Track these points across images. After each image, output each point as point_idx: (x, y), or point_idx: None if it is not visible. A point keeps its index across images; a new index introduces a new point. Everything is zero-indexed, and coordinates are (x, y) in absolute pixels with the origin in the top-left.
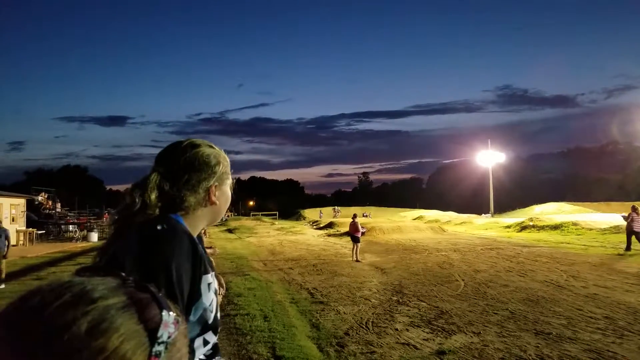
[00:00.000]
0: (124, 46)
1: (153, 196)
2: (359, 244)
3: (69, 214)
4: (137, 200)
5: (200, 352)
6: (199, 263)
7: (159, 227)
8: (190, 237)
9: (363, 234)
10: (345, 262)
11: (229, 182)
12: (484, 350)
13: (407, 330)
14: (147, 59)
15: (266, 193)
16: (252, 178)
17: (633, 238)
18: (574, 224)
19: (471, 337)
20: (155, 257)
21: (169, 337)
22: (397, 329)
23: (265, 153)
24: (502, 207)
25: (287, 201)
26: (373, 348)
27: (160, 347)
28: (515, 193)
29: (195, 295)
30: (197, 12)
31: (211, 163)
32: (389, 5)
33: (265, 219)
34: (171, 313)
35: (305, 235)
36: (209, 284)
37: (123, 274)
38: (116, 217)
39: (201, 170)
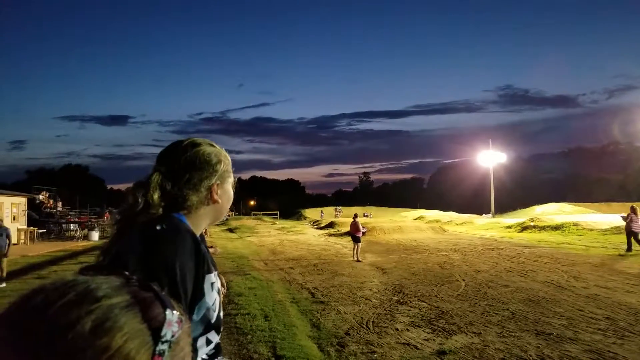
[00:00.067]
0: (125, 46)
1: (156, 196)
2: (360, 244)
3: (70, 213)
4: (139, 200)
5: (203, 351)
6: (202, 262)
7: (162, 226)
8: (194, 236)
9: (364, 233)
10: (346, 262)
11: (230, 181)
12: (484, 350)
13: (408, 330)
14: (147, 59)
15: (267, 193)
16: (253, 177)
17: (633, 238)
18: (575, 224)
19: (472, 337)
20: (158, 256)
21: (172, 336)
22: (397, 329)
23: (266, 153)
24: (503, 208)
25: (287, 201)
26: (374, 348)
27: (164, 346)
28: (516, 193)
29: (198, 294)
30: (197, 11)
31: (212, 161)
32: (389, 5)
33: (266, 218)
34: (175, 312)
35: (306, 235)
36: (212, 283)
37: (126, 272)
38: (119, 217)
39: (202, 169)
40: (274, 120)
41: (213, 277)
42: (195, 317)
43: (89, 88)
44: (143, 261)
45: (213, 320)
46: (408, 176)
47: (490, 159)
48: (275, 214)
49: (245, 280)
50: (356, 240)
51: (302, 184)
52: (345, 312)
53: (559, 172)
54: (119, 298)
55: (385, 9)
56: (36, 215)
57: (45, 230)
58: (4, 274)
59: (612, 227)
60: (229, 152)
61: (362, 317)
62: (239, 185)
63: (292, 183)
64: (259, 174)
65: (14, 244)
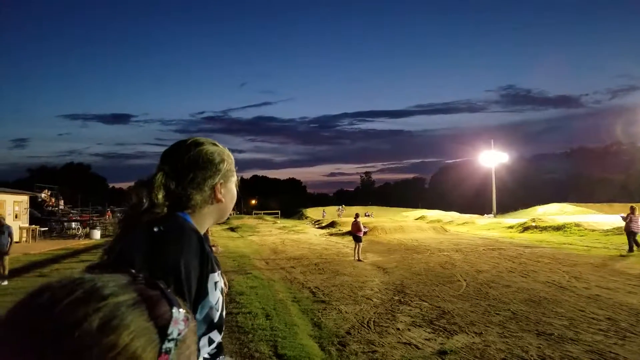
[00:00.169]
0: (125, 45)
1: (160, 195)
2: (361, 244)
3: (72, 211)
4: (144, 199)
5: (205, 350)
6: (206, 261)
7: (167, 225)
8: (198, 235)
9: (365, 233)
10: (347, 262)
11: (234, 180)
12: (485, 350)
13: (409, 329)
14: (148, 58)
15: (268, 192)
16: (255, 177)
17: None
18: (577, 224)
19: (473, 337)
20: (163, 254)
21: (179, 334)
22: (398, 329)
23: (268, 152)
24: (505, 208)
25: (289, 200)
26: (375, 347)
27: (170, 344)
28: (518, 193)
29: (202, 293)
30: (197, 11)
31: (215, 161)
32: (389, 5)
33: (268, 217)
34: (181, 310)
35: (307, 235)
36: (215, 283)
37: (133, 271)
38: (123, 216)
39: (206, 168)
40: (275, 119)
41: (216, 277)
42: (198, 316)
43: (91, 87)
44: (148, 260)
45: (216, 320)
46: (410, 176)
47: (492, 159)
48: (277, 213)
49: (246, 279)
50: (357, 239)
51: (303, 184)
52: (346, 312)
53: (561, 172)
54: (125, 296)
55: (385, 9)
56: (38, 214)
57: (47, 229)
58: (6, 272)
59: (613, 228)
60: (231, 151)
61: (363, 317)
62: (241, 184)
63: (293, 182)
64: (261, 173)
65: (16, 242)
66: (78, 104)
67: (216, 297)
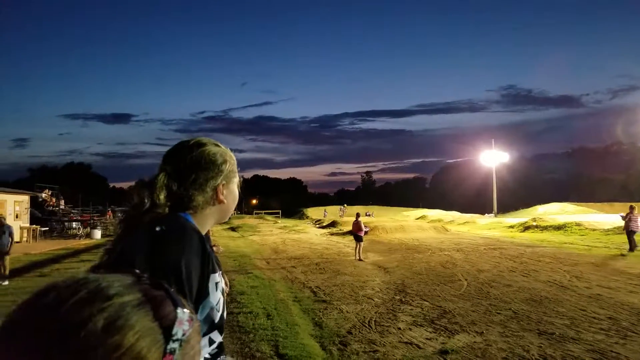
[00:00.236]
0: (125, 45)
1: (162, 196)
2: (362, 243)
3: (73, 211)
4: (146, 200)
5: (206, 351)
6: (207, 261)
7: (168, 225)
8: (200, 235)
9: (366, 233)
10: (348, 261)
11: (236, 181)
12: (486, 349)
13: (410, 329)
14: (148, 58)
15: (269, 191)
16: (256, 176)
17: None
18: (578, 224)
19: (474, 336)
20: (165, 254)
21: (183, 335)
22: (400, 328)
23: (269, 151)
24: (506, 207)
25: (290, 200)
26: (376, 347)
27: (175, 345)
28: (518, 193)
29: (203, 293)
30: (197, 11)
31: (217, 161)
32: (389, 5)
33: (268, 217)
34: (185, 310)
35: (308, 234)
36: (216, 283)
37: (137, 271)
38: (124, 216)
39: (208, 169)
40: (276, 119)
41: (217, 277)
42: (199, 316)
43: (91, 87)
44: (149, 259)
45: (216, 320)
46: (411, 175)
47: (493, 159)
48: (278, 213)
49: (247, 279)
50: (358, 239)
51: (304, 183)
52: (347, 311)
53: (562, 172)
54: (130, 296)
55: (385, 9)
56: (39, 213)
57: (47, 229)
58: (7, 272)
59: (614, 227)
60: (232, 151)
61: (364, 316)
62: (242, 184)
63: (294, 182)
64: (262, 172)
65: (17, 242)
66: (78, 104)
67: (217, 298)
